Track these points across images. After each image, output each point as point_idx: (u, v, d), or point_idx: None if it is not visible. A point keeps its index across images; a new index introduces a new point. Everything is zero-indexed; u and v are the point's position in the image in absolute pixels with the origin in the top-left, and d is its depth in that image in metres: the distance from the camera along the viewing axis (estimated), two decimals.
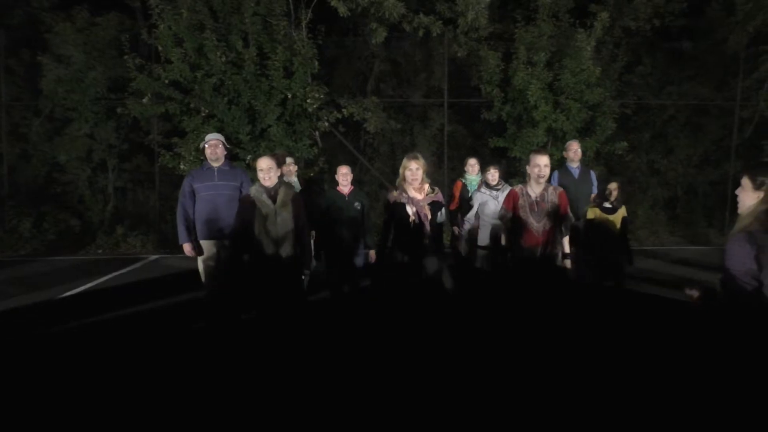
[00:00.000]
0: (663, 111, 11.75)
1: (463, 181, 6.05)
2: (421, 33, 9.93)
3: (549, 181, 4.70)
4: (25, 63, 10.53)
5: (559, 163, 9.70)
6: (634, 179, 11.84)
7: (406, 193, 3.88)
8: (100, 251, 9.64)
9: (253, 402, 3.25)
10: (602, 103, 9.69)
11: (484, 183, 5.32)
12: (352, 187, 5.04)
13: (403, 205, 3.83)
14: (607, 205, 5.06)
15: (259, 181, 3.92)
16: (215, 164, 4.64)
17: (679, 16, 11.21)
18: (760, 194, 2.05)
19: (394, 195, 3.94)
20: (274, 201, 3.86)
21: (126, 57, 8.96)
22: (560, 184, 5.64)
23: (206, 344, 4.32)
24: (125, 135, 10.83)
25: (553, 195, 3.96)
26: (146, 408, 3.20)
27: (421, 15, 9.68)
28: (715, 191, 11.61)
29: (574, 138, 9.24)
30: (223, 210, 4.52)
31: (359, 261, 4.95)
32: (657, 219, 11.24)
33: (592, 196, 5.60)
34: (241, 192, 4.61)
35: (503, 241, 4.15)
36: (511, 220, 4.04)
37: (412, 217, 3.80)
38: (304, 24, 9.61)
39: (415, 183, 3.84)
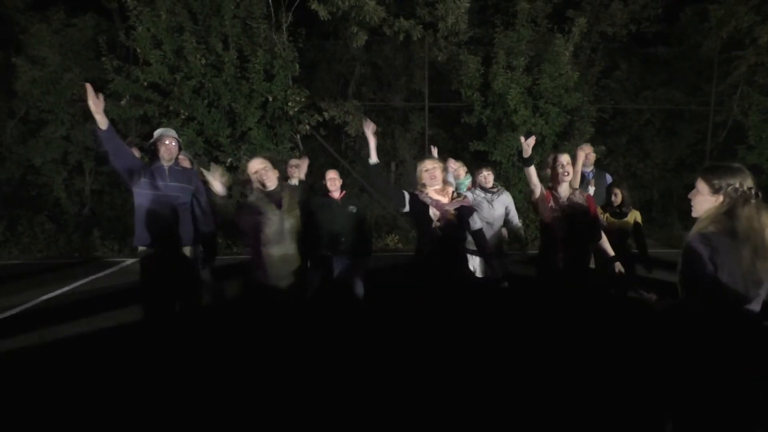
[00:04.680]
0: (639, 115, 11.96)
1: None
2: (401, 37, 9.98)
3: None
4: None
5: (539, 167, 9.82)
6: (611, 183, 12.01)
7: (429, 197, 3.46)
8: (76, 255, 9.47)
9: (240, 406, 3.23)
10: (580, 107, 9.83)
11: (478, 186, 4.95)
12: (344, 192, 4.78)
13: (426, 208, 3.41)
14: (616, 210, 4.99)
15: (255, 187, 3.51)
16: (167, 163, 4.01)
17: (654, 22, 11.49)
18: (719, 198, 2.05)
19: (418, 192, 3.53)
20: (279, 206, 3.45)
21: (103, 59, 8.85)
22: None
23: (188, 348, 4.27)
24: None
25: (581, 199, 3.62)
26: (125, 413, 3.16)
27: (402, 19, 9.72)
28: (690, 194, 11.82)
29: (554, 142, 9.39)
30: (171, 214, 3.94)
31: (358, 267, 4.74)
32: None
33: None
34: (195, 197, 4.15)
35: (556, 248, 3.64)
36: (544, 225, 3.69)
37: (435, 222, 3.38)
38: (284, 27, 9.58)
39: (434, 183, 3.45)
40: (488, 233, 4.52)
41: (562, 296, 3.65)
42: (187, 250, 4.07)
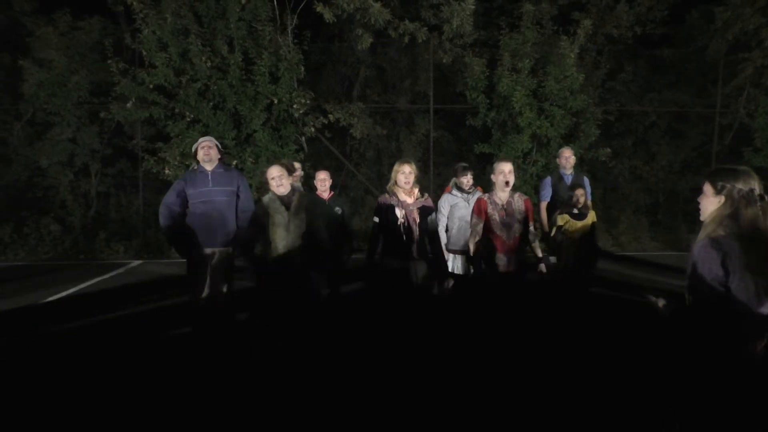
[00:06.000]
0: (645, 118, 11.91)
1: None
2: (406, 39, 9.96)
3: (542, 188, 5.15)
4: (5, 67, 10.38)
5: (544, 169, 9.84)
6: (617, 185, 11.97)
7: (396, 196, 3.96)
8: (82, 256, 9.51)
9: (248, 405, 3.23)
10: (586, 109, 9.80)
11: (455, 186, 5.16)
12: (332, 193, 5.15)
13: (393, 208, 3.91)
14: (575, 211, 5.14)
15: (271, 189, 4.00)
16: (208, 167, 4.41)
17: (660, 24, 11.43)
18: (722, 199, 2.06)
19: (384, 197, 4.02)
20: (288, 208, 3.94)
21: (109, 61, 8.89)
22: (553, 191, 5.69)
23: (195, 349, 4.29)
24: (108, 139, 10.71)
25: (519, 202, 4.03)
26: (133, 414, 3.16)
27: (407, 21, 9.71)
28: (695, 197, 11.72)
29: (559, 144, 9.36)
30: (218, 217, 4.32)
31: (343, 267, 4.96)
32: (639, 224, 11.36)
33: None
34: (238, 197, 4.47)
35: (472, 249, 4.17)
36: (483, 228, 4.07)
37: (401, 220, 3.87)
38: (289, 29, 9.62)
39: (407, 186, 3.93)
40: (467, 232, 4.68)
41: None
42: (228, 249, 4.43)
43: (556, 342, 4.39)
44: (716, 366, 2.00)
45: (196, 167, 4.53)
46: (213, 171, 4.42)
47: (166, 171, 8.91)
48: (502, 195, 4.02)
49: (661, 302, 2.26)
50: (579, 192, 5.17)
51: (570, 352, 4.18)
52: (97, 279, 7.45)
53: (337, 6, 9.06)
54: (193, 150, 4.56)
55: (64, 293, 6.53)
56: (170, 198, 4.35)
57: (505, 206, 3.97)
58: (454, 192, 5.10)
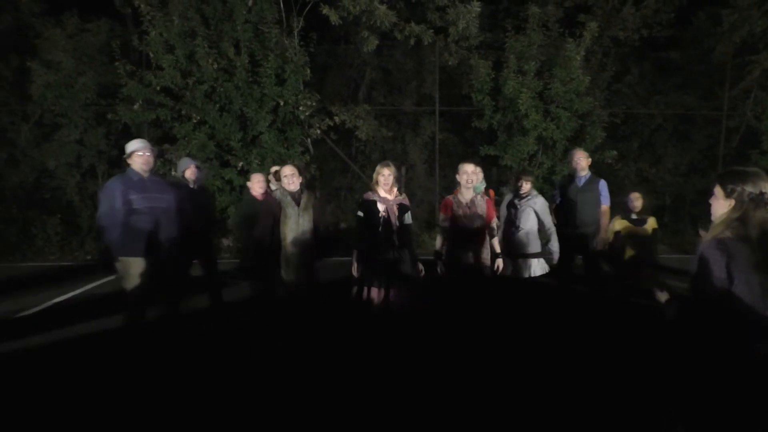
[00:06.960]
0: (651, 120, 11.87)
1: None
2: (412, 41, 9.99)
3: (553, 190, 5.22)
4: (13, 68, 10.45)
5: (550, 171, 9.81)
6: (623, 188, 11.92)
7: (378, 194, 4.32)
8: (89, 257, 9.54)
9: (248, 405, 3.24)
10: (591, 112, 9.78)
11: (515, 194, 5.06)
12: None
13: (375, 203, 4.27)
14: (634, 216, 4.99)
15: (282, 186, 4.41)
16: (146, 174, 4.22)
17: (667, 26, 11.39)
18: (731, 202, 2.06)
19: (368, 194, 4.40)
20: (298, 204, 4.37)
21: (117, 63, 8.95)
22: (561, 193, 5.64)
23: (198, 349, 4.31)
24: (115, 141, 10.73)
25: (481, 201, 4.43)
26: (142, 412, 3.18)
27: (413, 24, 9.73)
28: (702, 200, 11.70)
29: (565, 147, 9.35)
30: (161, 223, 4.18)
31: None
32: None
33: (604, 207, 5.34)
34: (179, 206, 4.40)
35: (438, 246, 4.57)
36: (449, 226, 4.47)
37: (382, 213, 4.23)
38: (295, 32, 9.65)
39: (386, 186, 4.30)
40: (513, 234, 4.91)
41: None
42: (170, 255, 4.34)
43: (559, 342, 4.41)
44: (719, 367, 2.00)
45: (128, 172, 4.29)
46: (149, 178, 4.25)
47: (173, 172, 8.93)
48: (466, 194, 4.42)
49: (666, 296, 2.26)
50: (634, 196, 4.97)
51: (573, 352, 4.19)
52: (104, 280, 7.47)
53: (343, 8, 9.10)
54: (127, 153, 4.28)
55: (71, 294, 6.55)
56: (117, 205, 4.08)
57: (468, 204, 4.39)
58: (516, 201, 5.04)
